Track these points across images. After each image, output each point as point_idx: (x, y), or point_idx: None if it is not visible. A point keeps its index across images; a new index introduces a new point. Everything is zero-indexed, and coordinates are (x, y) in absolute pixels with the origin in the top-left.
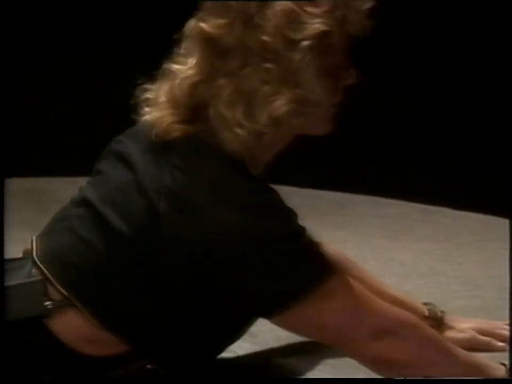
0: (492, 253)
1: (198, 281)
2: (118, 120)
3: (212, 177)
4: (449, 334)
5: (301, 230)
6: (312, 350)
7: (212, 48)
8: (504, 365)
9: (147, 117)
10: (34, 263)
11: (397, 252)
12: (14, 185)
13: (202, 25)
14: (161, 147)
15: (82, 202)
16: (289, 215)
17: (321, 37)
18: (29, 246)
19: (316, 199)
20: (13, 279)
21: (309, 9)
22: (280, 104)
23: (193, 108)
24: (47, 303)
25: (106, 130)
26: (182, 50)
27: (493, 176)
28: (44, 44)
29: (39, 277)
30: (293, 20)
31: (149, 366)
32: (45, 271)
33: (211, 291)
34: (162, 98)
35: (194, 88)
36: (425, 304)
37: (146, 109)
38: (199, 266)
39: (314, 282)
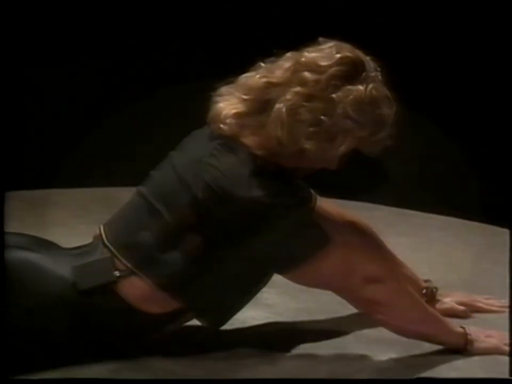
0: (452, 245)
1: (229, 248)
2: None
3: (240, 175)
4: (436, 304)
5: (307, 211)
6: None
7: (300, 70)
8: (463, 328)
9: (216, 103)
10: (104, 244)
11: None
12: (93, 193)
13: (307, 53)
14: (200, 147)
15: (137, 196)
16: (301, 202)
17: (360, 129)
18: (97, 232)
19: None
20: (90, 258)
21: (369, 108)
22: (310, 144)
23: (257, 102)
24: (115, 272)
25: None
26: (274, 59)
27: (459, 186)
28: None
29: (108, 254)
30: (359, 103)
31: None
32: (113, 249)
33: (240, 256)
34: (240, 82)
35: (269, 86)
36: (425, 281)
37: (222, 89)
38: (230, 238)
39: (316, 248)
